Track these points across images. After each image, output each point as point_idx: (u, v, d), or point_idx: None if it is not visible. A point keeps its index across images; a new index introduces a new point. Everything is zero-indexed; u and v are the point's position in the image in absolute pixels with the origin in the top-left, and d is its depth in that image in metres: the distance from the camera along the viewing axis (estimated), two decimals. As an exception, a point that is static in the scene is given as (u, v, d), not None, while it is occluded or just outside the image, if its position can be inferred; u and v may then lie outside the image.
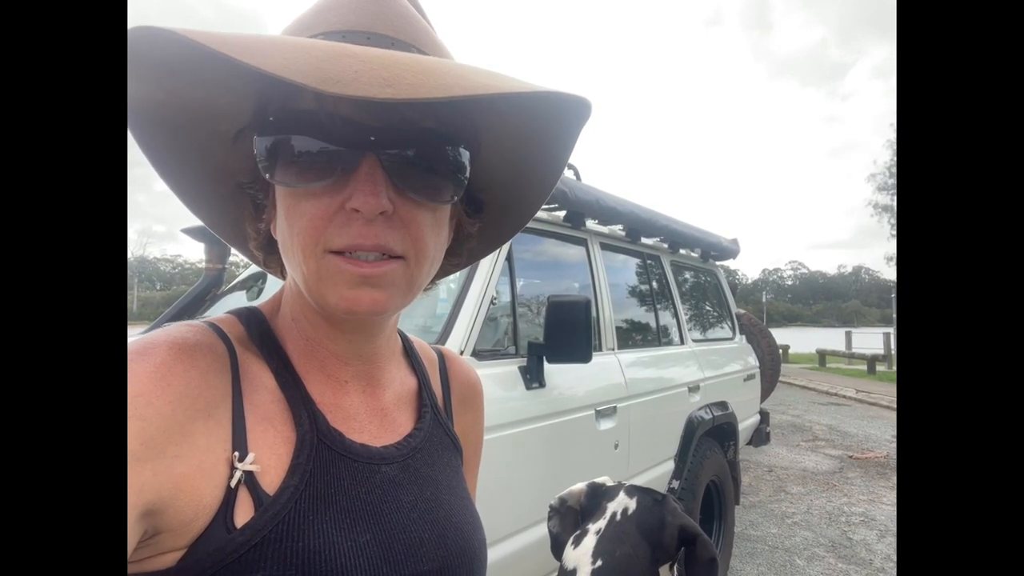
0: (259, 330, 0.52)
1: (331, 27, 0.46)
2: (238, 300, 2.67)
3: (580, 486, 0.74)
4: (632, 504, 0.68)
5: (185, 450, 0.41)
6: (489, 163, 0.54)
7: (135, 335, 0.49)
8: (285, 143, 0.44)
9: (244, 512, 0.43)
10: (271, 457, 0.46)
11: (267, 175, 0.45)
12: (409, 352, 0.64)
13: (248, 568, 0.42)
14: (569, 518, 0.72)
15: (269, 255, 0.55)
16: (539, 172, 0.55)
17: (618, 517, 0.67)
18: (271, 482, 0.45)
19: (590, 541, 0.66)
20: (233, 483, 0.43)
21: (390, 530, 0.49)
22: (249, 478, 0.44)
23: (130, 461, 0.38)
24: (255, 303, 0.57)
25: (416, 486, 0.53)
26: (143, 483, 0.39)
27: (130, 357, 0.42)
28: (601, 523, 0.67)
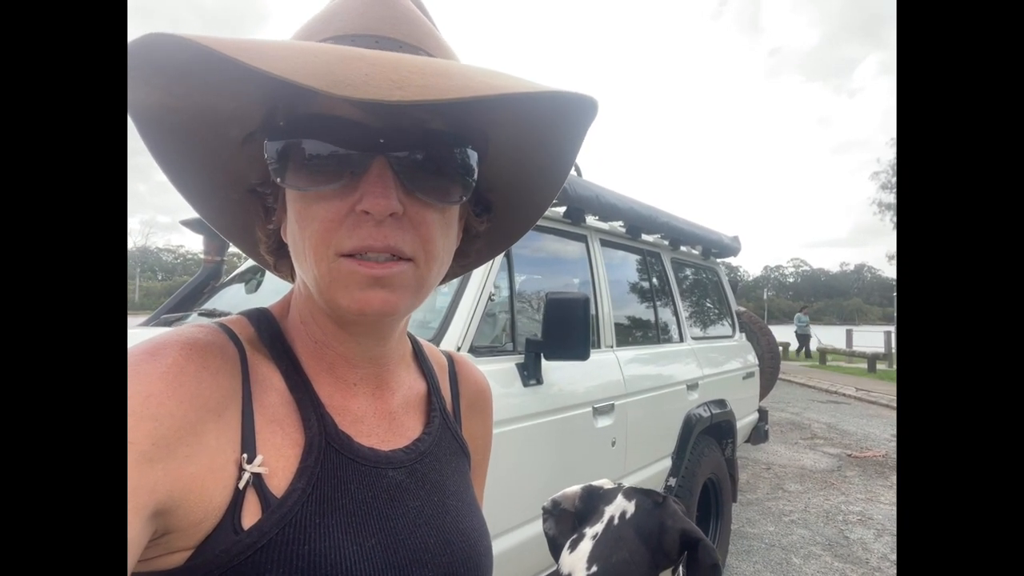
0: (269, 332, 0.52)
1: (339, 31, 0.47)
2: (237, 292, 2.67)
3: (575, 489, 0.72)
4: (630, 508, 0.67)
5: (196, 450, 0.42)
6: (497, 163, 0.54)
7: (136, 325, 0.49)
8: (295, 147, 0.44)
9: (251, 514, 0.43)
10: (279, 459, 0.46)
11: (278, 179, 0.46)
12: (419, 355, 0.64)
13: (254, 570, 0.42)
14: (565, 520, 0.71)
15: (280, 259, 0.55)
16: (546, 171, 0.55)
17: (615, 521, 0.66)
18: (279, 484, 0.45)
19: (586, 546, 0.65)
20: (241, 485, 0.43)
21: (396, 535, 0.49)
22: (257, 480, 0.44)
23: (142, 461, 0.38)
24: (253, 293, 0.57)
25: (423, 491, 0.53)
26: (155, 483, 0.39)
27: (142, 358, 0.42)
28: (598, 527, 0.66)
